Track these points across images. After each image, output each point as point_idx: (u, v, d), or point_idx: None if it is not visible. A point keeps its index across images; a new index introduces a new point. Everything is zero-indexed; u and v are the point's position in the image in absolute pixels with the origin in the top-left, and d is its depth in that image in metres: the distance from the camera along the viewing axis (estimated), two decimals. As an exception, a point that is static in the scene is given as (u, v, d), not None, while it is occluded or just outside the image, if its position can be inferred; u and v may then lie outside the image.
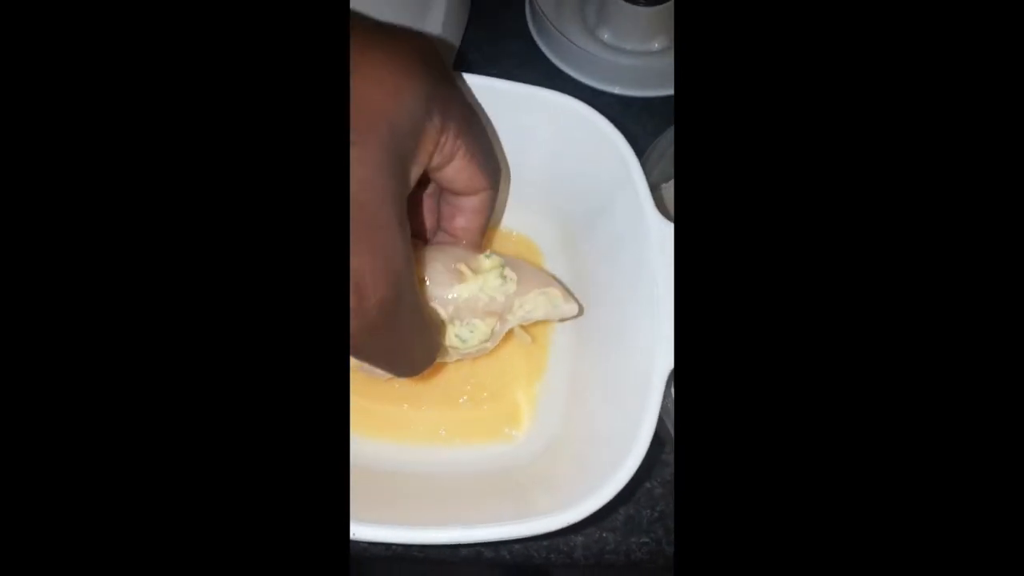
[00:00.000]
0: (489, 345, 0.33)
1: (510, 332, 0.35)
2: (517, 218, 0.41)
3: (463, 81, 0.32)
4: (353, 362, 0.32)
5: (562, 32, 0.48)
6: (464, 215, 0.31)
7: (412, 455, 0.38)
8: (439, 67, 0.25)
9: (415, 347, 0.27)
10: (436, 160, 0.26)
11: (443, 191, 0.31)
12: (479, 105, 0.33)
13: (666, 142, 0.40)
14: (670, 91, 0.49)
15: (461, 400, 0.39)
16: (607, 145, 0.33)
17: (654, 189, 0.35)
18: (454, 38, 0.47)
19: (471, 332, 0.32)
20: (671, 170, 0.45)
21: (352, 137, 0.20)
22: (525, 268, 0.33)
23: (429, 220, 0.33)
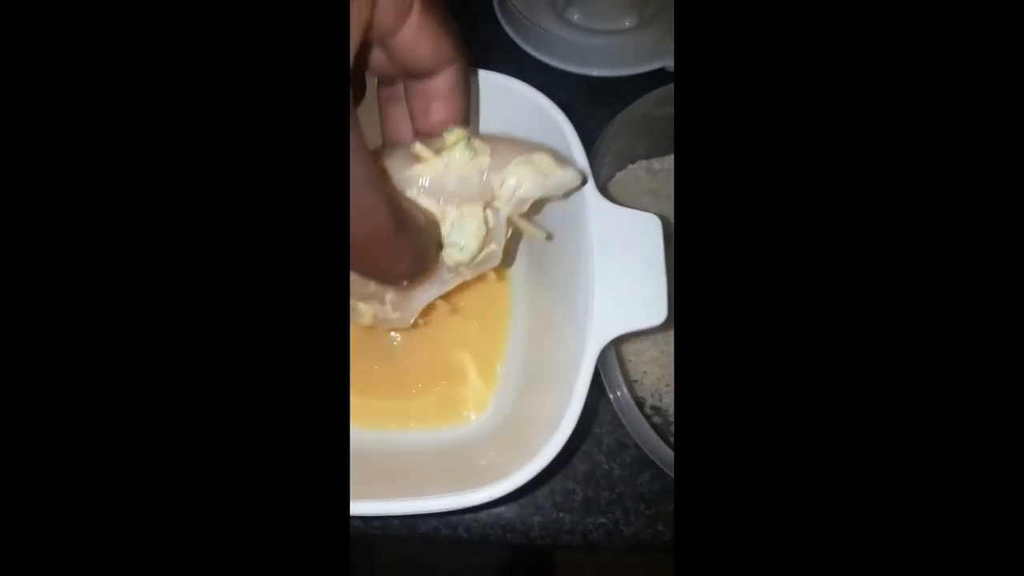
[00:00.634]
0: (497, 252, 0.28)
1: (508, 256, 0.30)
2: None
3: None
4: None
5: (526, 15, 0.48)
6: (439, 102, 0.25)
7: (370, 437, 0.39)
8: None
9: (400, 258, 0.23)
10: (384, 17, 0.21)
11: (406, 80, 0.26)
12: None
13: (617, 125, 0.39)
14: (640, 69, 0.48)
15: (417, 388, 0.40)
16: (550, 123, 0.33)
17: (609, 174, 0.35)
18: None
19: (462, 232, 0.26)
20: (629, 155, 0.44)
21: None
22: (499, 139, 0.27)
23: (401, 127, 0.28)
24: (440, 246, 0.27)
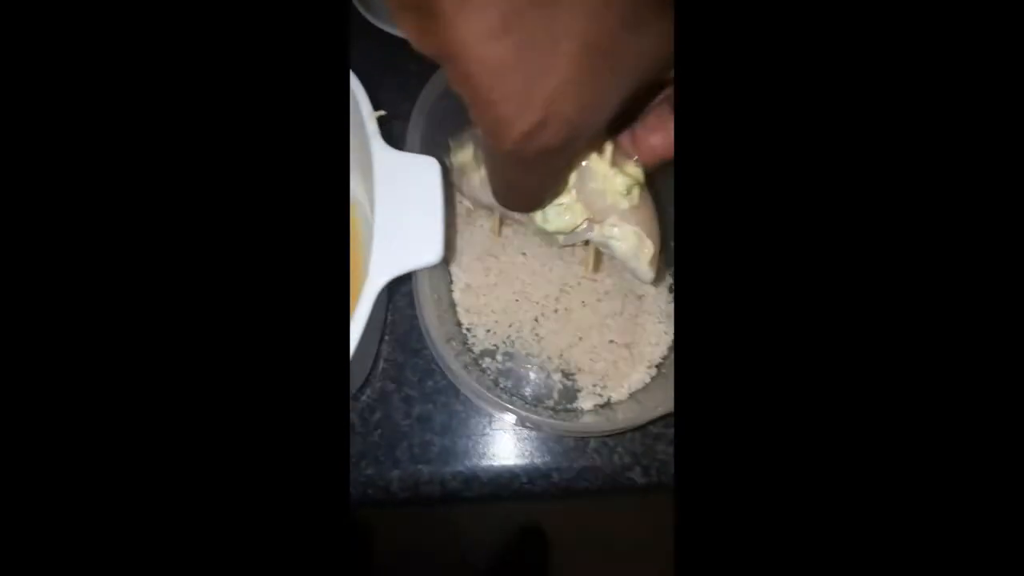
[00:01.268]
0: (560, 239, 0.32)
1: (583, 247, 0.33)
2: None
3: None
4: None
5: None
6: (662, 134, 0.28)
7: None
8: None
9: (535, 191, 0.26)
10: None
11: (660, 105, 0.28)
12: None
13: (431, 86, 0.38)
14: None
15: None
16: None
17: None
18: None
19: (558, 215, 0.30)
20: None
21: None
22: (649, 212, 0.31)
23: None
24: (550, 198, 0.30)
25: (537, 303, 0.42)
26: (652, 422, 0.37)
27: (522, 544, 1.06)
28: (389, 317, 0.43)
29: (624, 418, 0.37)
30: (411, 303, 0.42)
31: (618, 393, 0.40)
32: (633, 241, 0.30)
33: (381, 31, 0.48)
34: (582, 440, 0.40)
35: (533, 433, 0.40)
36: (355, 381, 0.39)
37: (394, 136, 0.33)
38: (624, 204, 0.30)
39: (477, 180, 0.32)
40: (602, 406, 0.40)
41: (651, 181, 0.31)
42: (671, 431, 0.40)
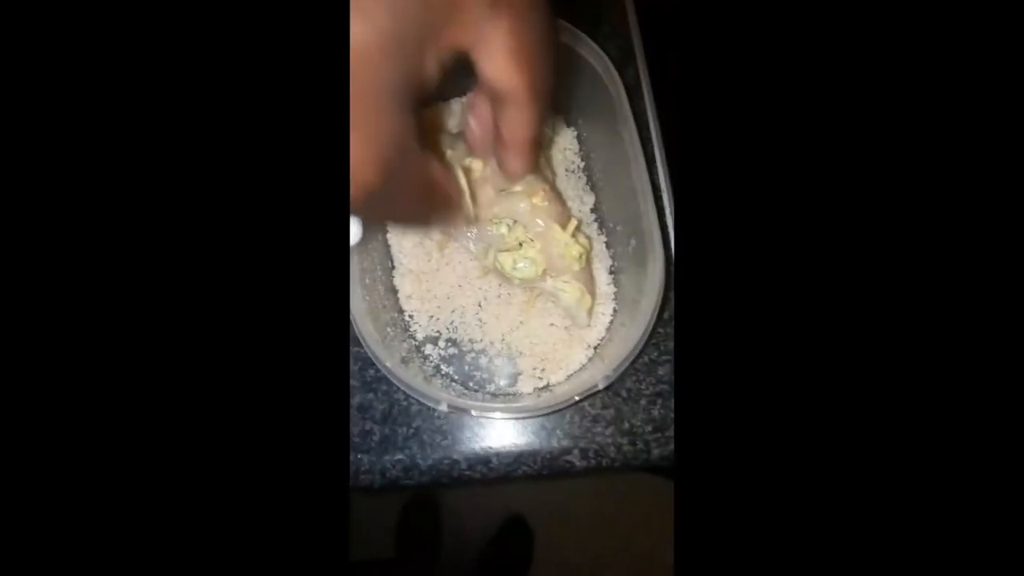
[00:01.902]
0: (516, 282, 0.39)
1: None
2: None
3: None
4: None
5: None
6: (504, 120, 0.27)
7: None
8: None
9: (416, 213, 0.28)
10: (467, 38, 0.22)
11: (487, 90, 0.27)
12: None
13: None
14: None
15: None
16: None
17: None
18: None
19: (525, 267, 0.37)
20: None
21: None
22: (590, 274, 0.40)
23: (479, 129, 0.30)
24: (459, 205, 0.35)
25: (480, 288, 0.42)
26: (586, 399, 0.37)
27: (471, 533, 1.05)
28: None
29: (557, 393, 0.37)
30: (350, 291, 0.42)
31: (556, 376, 0.40)
32: (577, 295, 0.38)
33: None
34: (521, 424, 0.40)
35: (473, 420, 0.40)
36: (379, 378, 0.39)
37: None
38: (576, 266, 0.38)
39: None
40: (542, 389, 0.40)
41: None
42: (609, 412, 0.40)
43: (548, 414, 0.39)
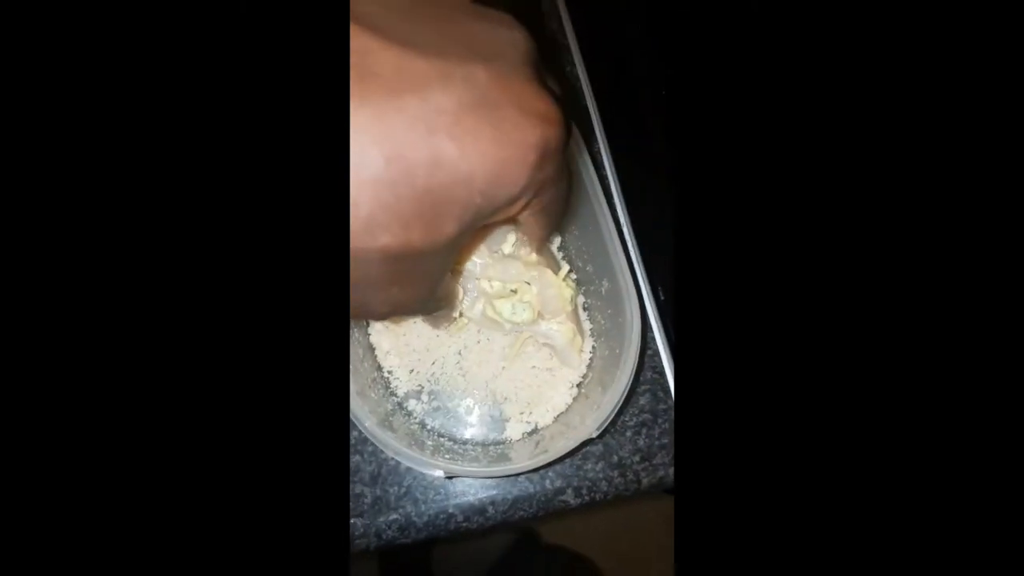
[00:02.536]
0: (507, 328, 0.39)
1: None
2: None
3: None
4: None
5: None
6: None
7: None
8: (560, 137, 0.24)
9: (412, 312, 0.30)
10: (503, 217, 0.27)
11: None
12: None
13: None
14: None
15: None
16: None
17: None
18: None
19: (521, 311, 0.38)
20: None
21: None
22: (580, 315, 0.42)
23: None
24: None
25: (459, 337, 0.42)
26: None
27: None
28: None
29: (552, 450, 0.37)
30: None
31: (544, 418, 0.40)
32: (570, 336, 0.39)
33: None
34: (514, 470, 0.40)
35: (465, 469, 0.40)
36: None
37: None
38: (569, 308, 0.39)
39: None
40: (529, 433, 0.40)
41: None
42: (598, 448, 0.40)
43: (546, 467, 0.40)
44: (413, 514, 0.39)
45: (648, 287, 0.42)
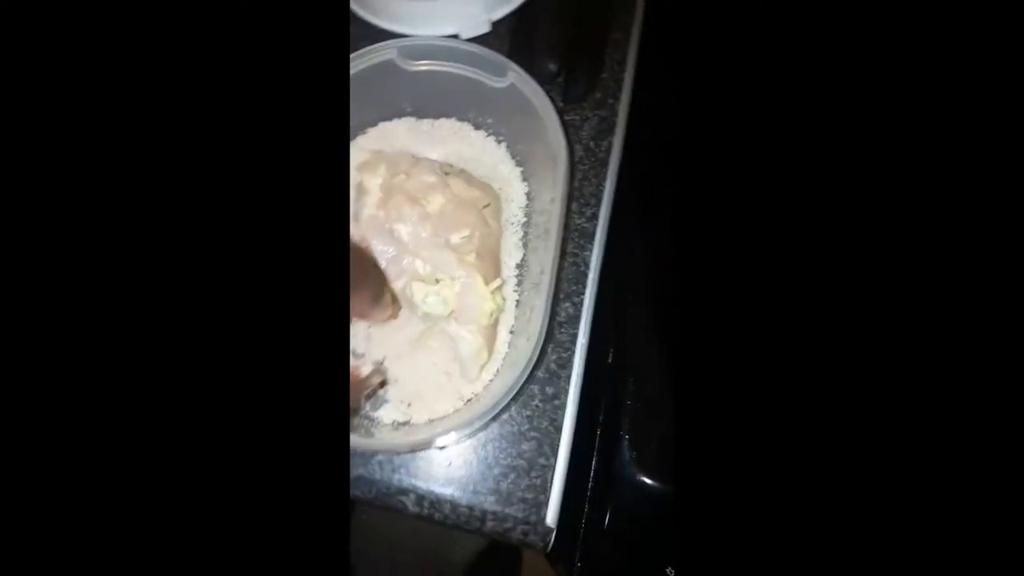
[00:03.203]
0: (419, 314, 0.40)
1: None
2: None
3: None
4: None
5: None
6: None
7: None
8: None
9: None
10: None
11: None
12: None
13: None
14: (436, 31, 0.48)
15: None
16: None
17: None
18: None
19: (435, 304, 0.38)
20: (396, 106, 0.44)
21: None
22: (494, 332, 0.40)
23: None
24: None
25: None
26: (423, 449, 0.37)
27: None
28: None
29: (408, 441, 0.36)
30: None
31: (420, 416, 0.39)
32: (476, 348, 0.39)
33: (381, 30, 0.49)
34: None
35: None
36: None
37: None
38: (485, 321, 0.38)
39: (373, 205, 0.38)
40: (401, 423, 0.39)
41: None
42: (460, 472, 0.39)
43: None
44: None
45: (585, 340, 0.41)
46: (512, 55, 0.47)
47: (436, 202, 0.39)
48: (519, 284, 0.42)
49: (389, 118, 0.45)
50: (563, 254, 0.43)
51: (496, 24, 0.48)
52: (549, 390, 0.40)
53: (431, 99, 0.44)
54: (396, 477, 0.39)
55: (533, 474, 0.39)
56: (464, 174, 0.42)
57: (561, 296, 0.42)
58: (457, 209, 0.39)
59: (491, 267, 0.40)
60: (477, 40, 0.47)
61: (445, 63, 0.40)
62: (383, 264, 0.38)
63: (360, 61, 0.39)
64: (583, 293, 0.42)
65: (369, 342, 0.41)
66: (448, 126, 0.45)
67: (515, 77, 0.40)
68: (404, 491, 0.39)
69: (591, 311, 0.42)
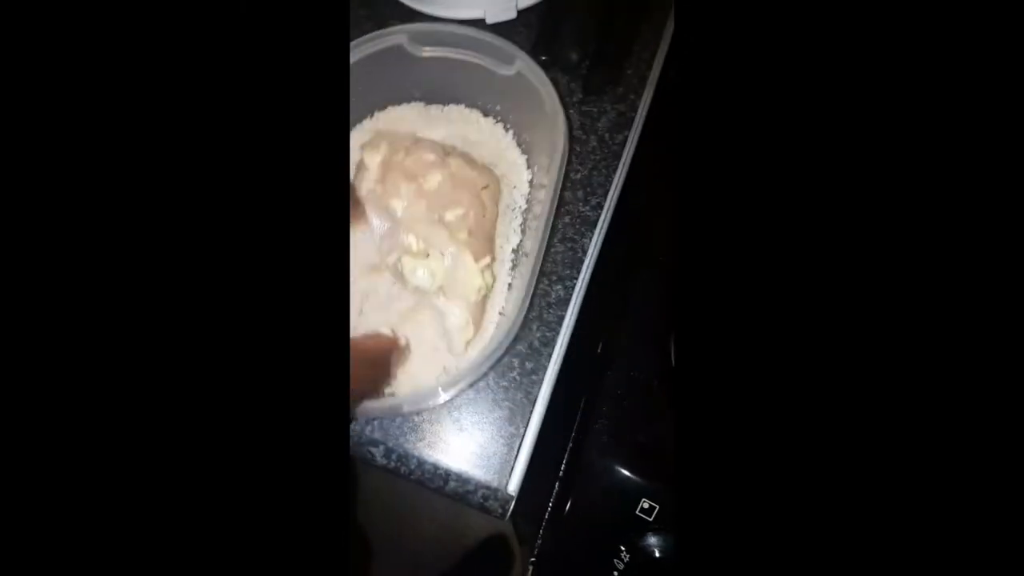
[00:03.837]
0: (410, 287, 0.41)
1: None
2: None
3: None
4: None
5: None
6: None
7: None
8: None
9: None
10: None
11: None
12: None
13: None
14: (463, 15, 0.49)
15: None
16: None
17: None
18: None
19: (423, 277, 0.40)
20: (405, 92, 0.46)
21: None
22: (482, 309, 0.41)
23: None
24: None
25: (372, 281, 0.43)
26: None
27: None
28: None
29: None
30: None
31: (404, 387, 0.40)
32: (461, 323, 0.40)
33: (409, 9, 0.51)
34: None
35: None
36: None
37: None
38: (472, 297, 0.39)
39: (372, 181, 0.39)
40: (387, 393, 0.40)
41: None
42: (435, 428, 0.40)
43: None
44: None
45: (572, 321, 0.41)
46: (537, 42, 0.49)
47: (434, 180, 0.40)
48: (513, 268, 0.44)
49: (398, 103, 0.46)
50: (561, 239, 0.43)
51: (523, 12, 0.49)
52: (529, 364, 0.41)
53: (440, 85, 0.45)
54: (368, 429, 0.40)
55: (501, 442, 0.40)
56: (466, 156, 0.43)
57: (554, 278, 0.43)
58: (455, 188, 0.40)
59: (483, 246, 0.41)
60: (502, 25, 0.48)
61: (454, 50, 0.41)
62: (377, 239, 0.40)
63: (369, 45, 0.41)
64: (576, 278, 0.43)
65: (361, 316, 0.42)
66: (457, 112, 0.46)
67: (522, 65, 0.40)
68: (374, 443, 0.40)
69: (582, 295, 0.43)
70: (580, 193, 0.46)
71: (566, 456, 0.43)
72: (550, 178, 0.39)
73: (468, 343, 0.41)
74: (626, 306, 0.46)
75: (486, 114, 0.46)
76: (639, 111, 0.48)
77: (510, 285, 0.43)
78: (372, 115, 0.46)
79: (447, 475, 0.39)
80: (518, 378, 0.41)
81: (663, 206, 0.48)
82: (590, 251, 0.44)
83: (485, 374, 0.40)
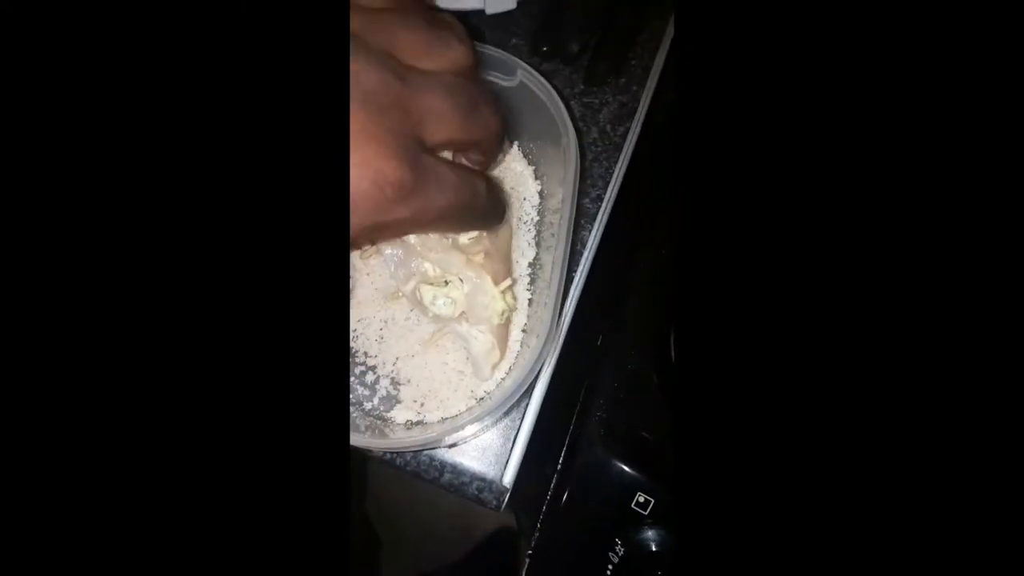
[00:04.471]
0: (430, 316, 0.39)
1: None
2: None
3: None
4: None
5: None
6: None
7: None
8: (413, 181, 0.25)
9: (459, 203, 0.29)
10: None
11: None
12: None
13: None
14: (461, 6, 0.48)
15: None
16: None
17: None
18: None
19: (444, 305, 0.38)
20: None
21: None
22: (506, 332, 0.40)
23: None
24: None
25: (390, 308, 0.42)
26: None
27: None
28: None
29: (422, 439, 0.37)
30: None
31: (433, 415, 0.40)
32: (488, 347, 0.39)
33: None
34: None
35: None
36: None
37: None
38: (496, 320, 0.38)
39: None
40: (415, 423, 0.40)
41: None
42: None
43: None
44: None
45: (571, 313, 0.41)
46: (538, 33, 0.48)
47: None
48: (532, 283, 0.42)
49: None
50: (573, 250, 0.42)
51: (523, 2, 0.47)
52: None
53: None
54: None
55: (497, 434, 0.40)
56: None
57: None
58: None
59: (501, 267, 0.39)
60: (502, 16, 0.47)
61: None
62: (391, 268, 0.38)
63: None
64: (575, 270, 0.43)
65: (381, 343, 0.41)
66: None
67: (524, 75, 0.39)
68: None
69: (581, 288, 0.42)
70: (580, 185, 0.45)
71: (563, 449, 0.43)
72: (567, 190, 0.37)
73: (495, 366, 0.40)
74: (626, 299, 0.46)
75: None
76: (641, 102, 0.48)
77: (530, 300, 0.42)
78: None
79: (442, 467, 0.39)
80: (519, 373, 0.41)
81: (664, 198, 0.48)
82: (590, 243, 0.44)
83: (518, 401, 0.39)
